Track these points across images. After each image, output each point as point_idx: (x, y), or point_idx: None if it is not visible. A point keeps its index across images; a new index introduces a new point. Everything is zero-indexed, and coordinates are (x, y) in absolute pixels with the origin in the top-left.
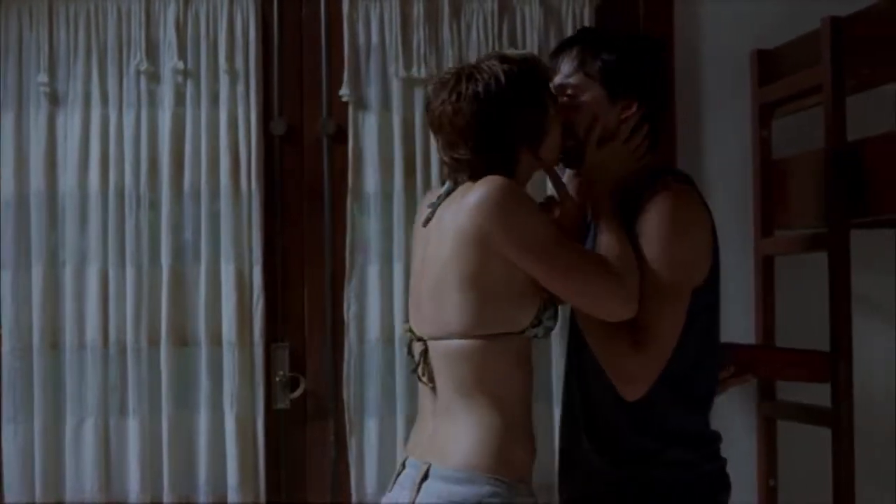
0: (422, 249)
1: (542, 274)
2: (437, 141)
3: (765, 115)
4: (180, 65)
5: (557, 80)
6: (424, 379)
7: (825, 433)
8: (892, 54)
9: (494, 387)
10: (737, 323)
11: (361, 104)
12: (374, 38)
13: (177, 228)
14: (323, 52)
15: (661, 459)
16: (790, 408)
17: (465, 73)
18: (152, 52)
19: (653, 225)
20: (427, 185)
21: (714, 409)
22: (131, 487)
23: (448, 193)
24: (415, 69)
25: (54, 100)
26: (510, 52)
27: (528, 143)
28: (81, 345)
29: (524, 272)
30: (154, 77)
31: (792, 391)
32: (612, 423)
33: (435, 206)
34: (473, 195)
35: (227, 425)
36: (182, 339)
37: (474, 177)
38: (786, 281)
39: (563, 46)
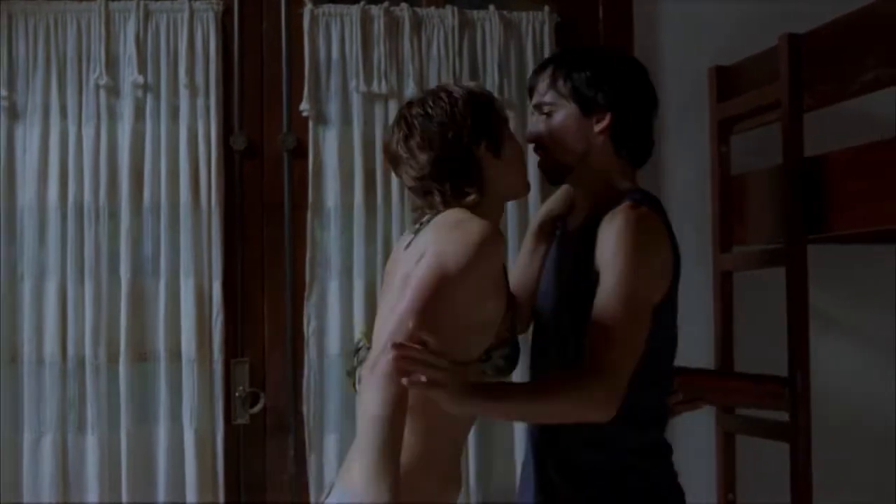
0: (394, 268)
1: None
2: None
3: (723, 130)
4: (140, 79)
5: (535, 99)
6: (353, 381)
7: (783, 447)
8: (850, 71)
9: (418, 413)
10: (696, 337)
11: (322, 119)
12: (335, 54)
13: (136, 243)
14: (283, 66)
15: (615, 475)
16: (749, 422)
17: (415, 102)
18: (112, 65)
19: (609, 252)
20: (387, 200)
21: (673, 422)
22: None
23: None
24: (375, 84)
25: (13, 113)
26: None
27: (488, 144)
28: (40, 359)
29: (483, 307)
30: (114, 91)
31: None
32: (567, 439)
33: (416, 232)
34: (449, 233)
35: (186, 440)
36: (141, 355)
37: (445, 202)
38: (744, 296)
39: (540, 67)
